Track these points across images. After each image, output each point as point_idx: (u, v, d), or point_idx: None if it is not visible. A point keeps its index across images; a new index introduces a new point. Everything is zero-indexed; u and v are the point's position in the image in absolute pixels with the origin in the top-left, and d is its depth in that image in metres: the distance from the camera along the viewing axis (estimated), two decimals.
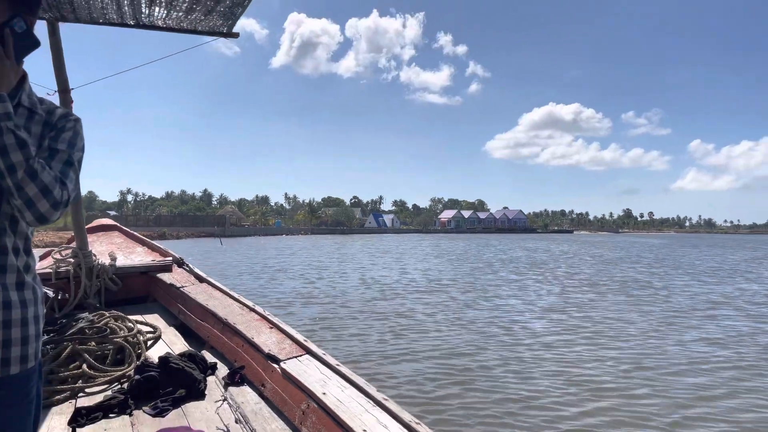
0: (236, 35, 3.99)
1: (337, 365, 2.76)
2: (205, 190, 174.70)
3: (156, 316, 4.55)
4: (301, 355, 2.96)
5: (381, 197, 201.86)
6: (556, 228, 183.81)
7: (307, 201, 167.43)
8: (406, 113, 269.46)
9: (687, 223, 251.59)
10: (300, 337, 3.16)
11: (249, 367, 3.15)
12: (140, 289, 5.13)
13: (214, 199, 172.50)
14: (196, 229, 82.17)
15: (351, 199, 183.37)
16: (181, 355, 3.29)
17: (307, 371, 2.73)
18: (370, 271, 25.72)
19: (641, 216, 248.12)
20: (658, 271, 27.61)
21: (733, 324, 12.22)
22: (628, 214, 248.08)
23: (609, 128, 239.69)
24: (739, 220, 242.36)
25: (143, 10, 3.54)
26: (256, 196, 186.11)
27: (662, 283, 21.50)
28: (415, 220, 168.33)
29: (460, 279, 22.34)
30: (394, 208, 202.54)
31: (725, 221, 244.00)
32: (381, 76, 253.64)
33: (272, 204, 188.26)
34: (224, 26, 3.85)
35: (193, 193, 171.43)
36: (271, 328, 3.39)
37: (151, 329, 4.07)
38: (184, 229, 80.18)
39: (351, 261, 32.84)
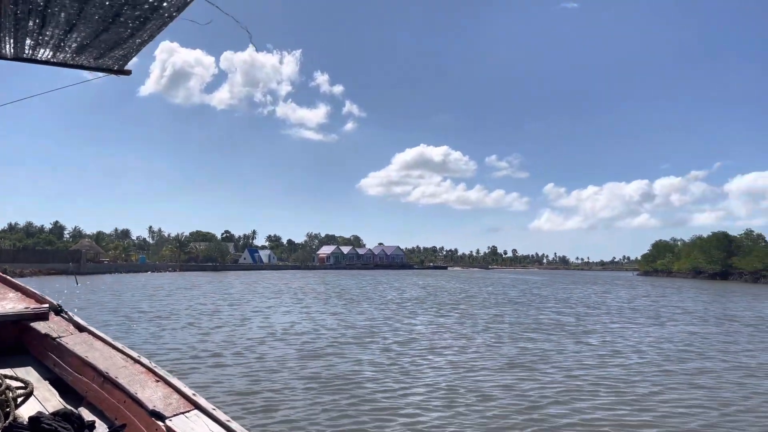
0: (128, 72, 3.92)
1: (228, 421, 2.64)
2: (56, 222, 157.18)
3: (28, 369, 4.13)
4: (188, 411, 2.81)
5: (254, 232, 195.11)
6: (431, 264, 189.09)
7: (173, 235, 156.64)
8: (282, 148, 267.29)
9: (545, 260, 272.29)
10: (188, 391, 2.97)
11: (131, 426, 2.93)
12: (10, 340, 4.61)
13: (66, 232, 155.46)
14: (45, 265, 72.30)
15: (222, 234, 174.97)
16: (55, 413, 2.95)
17: (194, 428, 2.63)
18: (270, 316, 23.18)
19: (505, 253, 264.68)
20: (589, 311, 27.94)
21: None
22: (494, 251, 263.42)
23: (474, 170, 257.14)
24: (588, 257, 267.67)
25: (26, 51, 3.49)
26: (116, 230, 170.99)
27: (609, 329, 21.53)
28: (292, 256, 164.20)
29: (379, 325, 20.58)
30: (268, 243, 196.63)
31: (577, 258, 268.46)
32: (256, 110, 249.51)
33: (134, 238, 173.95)
34: (115, 64, 3.78)
35: (42, 225, 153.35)
36: (158, 381, 3.19)
37: (22, 384, 3.63)
38: (30, 265, 70.17)
39: (243, 304, 29.80)
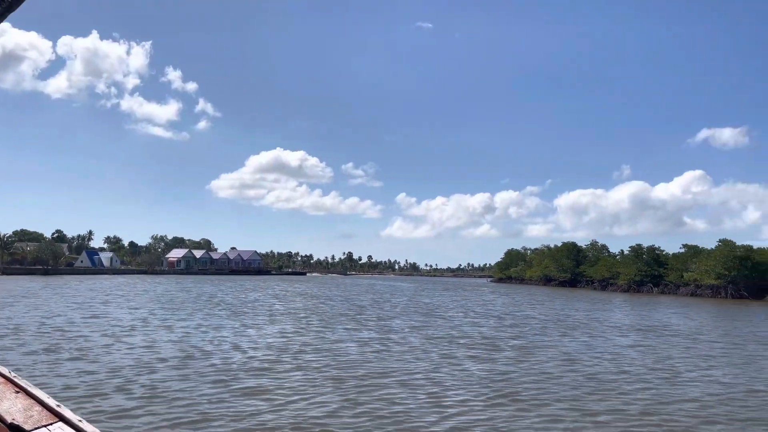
0: None
1: None
2: None
3: None
4: (52, 423, 2.63)
5: (90, 232, 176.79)
6: (290, 270, 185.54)
7: None
8: (125, 144, 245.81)
9: (396, 266, 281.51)
10: (52, 403, 2.78)
11: None
12: None
13: None
14: None
15: (53, 234, 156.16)
16: None
17: None
18: (156, 331, 20.45)
19: (360, 258, 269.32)
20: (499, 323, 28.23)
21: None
22: (349, 257, 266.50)
23: (330, 177, 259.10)
24: (437, 264, 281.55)
25: None
26: None
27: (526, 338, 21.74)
28: (137, 260, 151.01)
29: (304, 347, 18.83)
30: (106, 245, 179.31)
31: (426, 264, 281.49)
32: (98, 102, 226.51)
33: None
34: None
35: None
36: (18, 392, 2.96)
37: None
38: None
39: (107, 316, 26.04)
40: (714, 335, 24.85)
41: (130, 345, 17.16)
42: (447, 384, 12.74)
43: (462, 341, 19.63)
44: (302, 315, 29.08)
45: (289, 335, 20.39)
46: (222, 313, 28.56)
